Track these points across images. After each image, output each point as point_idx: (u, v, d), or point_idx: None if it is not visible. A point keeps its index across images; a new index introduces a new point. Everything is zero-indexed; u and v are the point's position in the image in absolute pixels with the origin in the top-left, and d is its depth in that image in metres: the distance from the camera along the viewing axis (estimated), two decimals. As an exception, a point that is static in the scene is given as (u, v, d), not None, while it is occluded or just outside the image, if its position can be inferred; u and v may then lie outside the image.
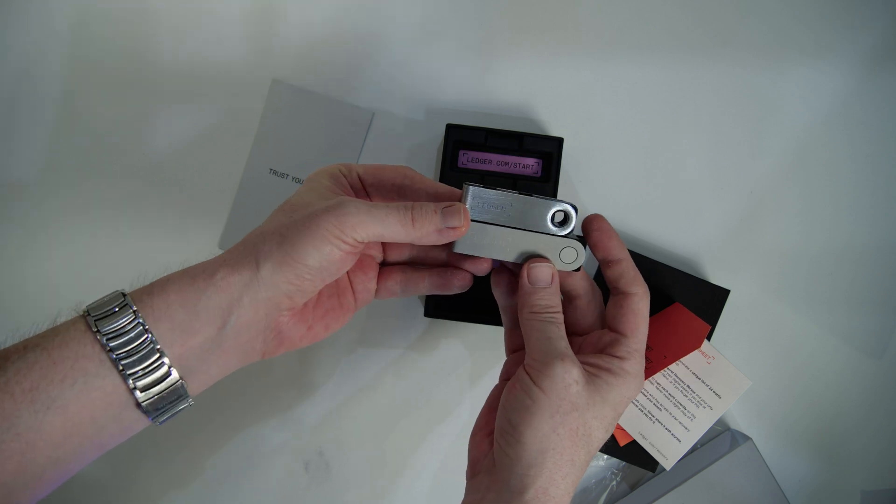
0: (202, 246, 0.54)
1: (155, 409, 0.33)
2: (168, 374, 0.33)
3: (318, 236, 0.34)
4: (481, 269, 0.42)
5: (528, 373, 0.36)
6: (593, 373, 0.37)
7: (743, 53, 0.55)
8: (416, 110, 0.55)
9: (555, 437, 0.34)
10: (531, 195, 0.39)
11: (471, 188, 0.38)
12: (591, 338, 0.40)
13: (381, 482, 0.56)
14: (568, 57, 0.55)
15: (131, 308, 0.32)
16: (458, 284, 0.42)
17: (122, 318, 0.32)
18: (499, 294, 0.42)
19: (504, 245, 0.39)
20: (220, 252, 0.54)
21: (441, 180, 0.52)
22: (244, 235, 0.37)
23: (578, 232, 0.40)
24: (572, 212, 0.39)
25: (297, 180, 0.54)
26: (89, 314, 0.32)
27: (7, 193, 0.54)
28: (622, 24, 0.55)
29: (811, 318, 0.55)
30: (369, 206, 0.35)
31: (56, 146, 0.54)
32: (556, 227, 0.39)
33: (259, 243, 0.35)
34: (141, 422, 0.34)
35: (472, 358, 0.55)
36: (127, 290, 0.34)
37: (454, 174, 0.52)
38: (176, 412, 0.35)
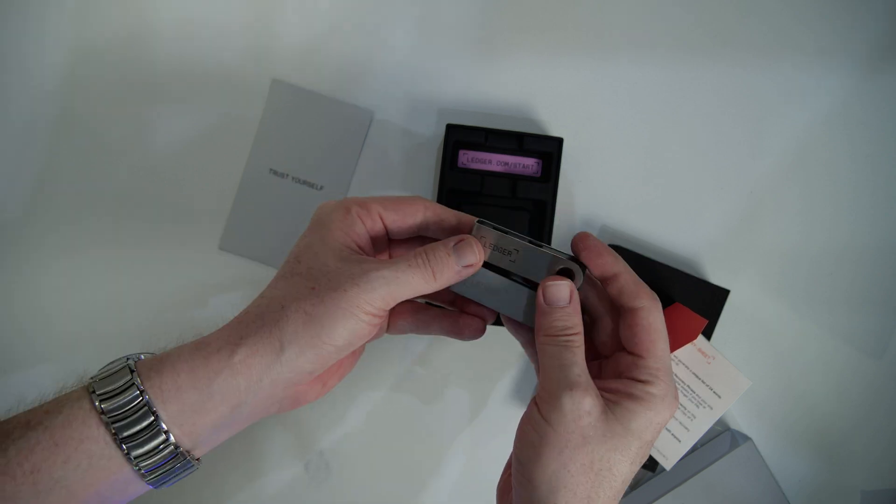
0: (202, 246, 0.54)
1: (161, 481, 0.33)
2: (175, 452, 0.32)
3: (348, 315, 0.33)
4: (489, 316, 0.40)
5: (537, 405, 0.34)
6: (613, 399, 0.34)
7: (743, 53, 0.55)
8: (416, 110, 0.55)
9: (565, 475, 0.32)
10: (540, 246, 0.37)
11: (480, 227, 0.37)
12: (613, 360, 0.37)
13: (381, 482, 0.56)
14: (568, 57, 0.55)
15: (138, 388, 0.31)
16: (468, 334, 0.40)
17: (128, 398, 0.31)
18: (512, 329, 0.41)
19: (499, 289, 0.38)
20: (219, 253, 0.54)
21: (441, 180, 0.52)
22: (260, 302, 0.35)
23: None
24: (579, 270, 0.37)
25: (298, 180, 0.54)
26: (94, 391, 0.31)
27: (6, 193, 0.54)
28: (622, 24, 0.55)
29: (811, 319, 0.55)
30: (394, 273, 0.34)
31: (56, 146, 0.54)
32: None
33: (282, 321, 0.33)
34: (145, 488, 0.33)
35: (474, 358, 0.55)
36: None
37: (454, 174, 0.52)
38: (183, 477, 0.34)
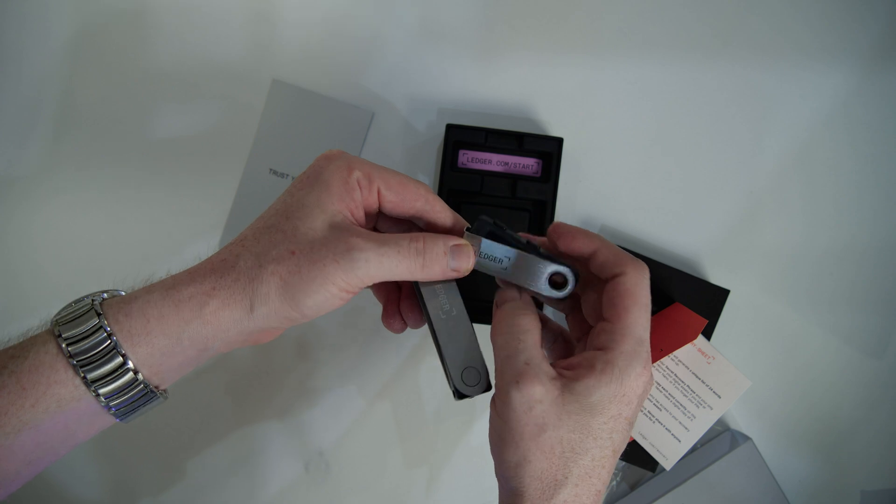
0: (202, 246, 0.54)
1: (128, 413, 0.33)
2: (144, 390, 0.32)
3: (322, 289, 0.32)
4: (413, 322, 0.40)
5: (492, 402, 0.34)
6: (572, 377, 0.33)
7: (744, 53, 0.55)
8: (415, 110, 0.55)
9: (526, 466, 0.32)
10: (535, 254, 0.37)
11: (471, 236, 0.36)
12: (594, 332, 0.36)
13: (381, 482, 0.56)
14: (568, 57, 0.55)
15: (106, 330, 0.31)
16: (387, 324, 0.40)
17: (96, 341, 0.31)
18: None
19: (452, 312, 0.37)
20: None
21: (441, 180, 0.52)
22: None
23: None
24: (571, 276, 0.36)
25: (297, 180, 0.54)
26: (61, 335, 0.31)
27: (5, 190, 0.54)
28: (622, 23, 0.55)
29: (811, 318, 0.55)
30: (378, 257, 0.33)
31: (55, 148, 0.54)
32: (553, 288, 0.37)
33: (256, 281, 0.32)
34: (113, 421, 0.33)
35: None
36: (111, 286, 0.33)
37: (454, 174, 0.52)
38: (149, 409, 0.34)
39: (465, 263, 0.36)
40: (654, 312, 0.53)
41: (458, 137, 0.52)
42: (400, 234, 0.35)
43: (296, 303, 0.32)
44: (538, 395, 0.32)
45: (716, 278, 0.54)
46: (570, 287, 0.37)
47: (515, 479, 0.32)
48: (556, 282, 0.37)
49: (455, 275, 0.36)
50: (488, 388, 0.37)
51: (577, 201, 0.55)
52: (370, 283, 0.34)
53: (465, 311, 0.37)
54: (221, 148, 0.54)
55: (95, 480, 0.55)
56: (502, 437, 0.33)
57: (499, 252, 0.37)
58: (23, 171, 0.54)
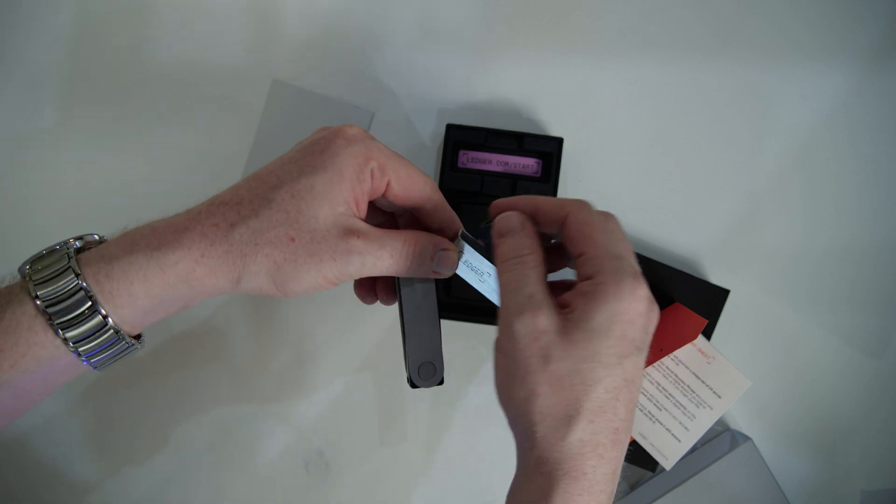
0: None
1: (105, 363, 0.33)
2: (124, 345, 0.32)
3: (312, 280, 0.33)
4: (384, 300, 0.40)
5: (497, 340, 0.33)
6: (569, 309, 0.32)
7: (744, 52, 0.55)
8: (415, 110, 0.55)
9: (536, 401, 0.31)
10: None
11: (463, 242, 0.37)
12: (577, 278, 0.35)
13: (381, 482, 0.56)
14: (568, 56, 0.55)
15: (87, 293, 0.30)
16: (362, 300, 0.41)
17: (75, 301, 0.30)
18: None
19: (423, 305, 0.38)
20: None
21: (441, 180, 0.52)
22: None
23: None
24: None
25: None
26: (38, 296, 0.30)
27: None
28: (622, 23, 0.55)
29: (811, 318, 0.55)
30: (374, 260, 0.34)
31: (55, 148, 0.54)
32: None
33: (248, 259, 0.32)
34: (89, 369, 0.33)
35: (473, 358, 0.55)
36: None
37: (454, 174, 0.52)
38: (125, 357, 0.34)
39: (447, 270, 0.36)
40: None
41: (458, 137, 0.52)
42: (393, 232, 0.35)
43: (283, 286, 0.33)
44: (542, 324, 0.31)
45: (716, 278, 0.54)
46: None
47: (525, 417, 0.31)
48: None
49: (436, 276, 0.37)
50: (440, 383, 0.38)
51: (577, 201, 0.55)
52: (358, 277, 0.35)
53: (436, 309, 0.38)
54: (221, 148, 0.54)
55: (94, 478, 0.55)
56: (510, 374, 0.32)
57: (481, 265, 0.37)
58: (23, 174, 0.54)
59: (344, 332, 0.55)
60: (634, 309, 0.31)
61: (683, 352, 0.52)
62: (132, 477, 0.55)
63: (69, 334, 0.30)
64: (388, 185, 0.35)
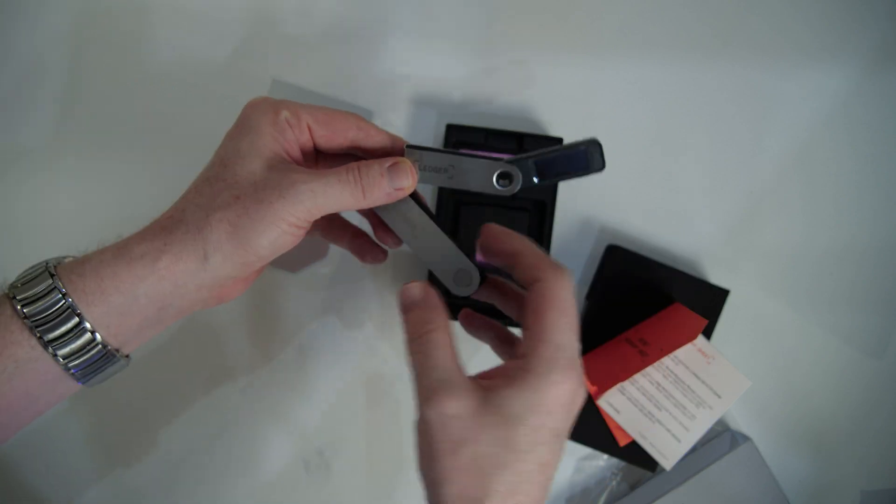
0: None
1: (90, 375, 0.33)
2: (103, 351, 0.33)
3: (272, 227, 0.33)
4: (392, 243, 0.40)
5: (415, 420, 0.33)
6: (489, 387, 0.32)
7: (744, 52, 0.55)
8: (415, 110, 0.55)
9: (446, 485, 0.30)
10: (473, 155, 0.37)
11: (412, 150, 0.37)
12: (517, 344, 0.35)
13: (382, 482, 0.56)
14: (568, 56, 0.55)
15: (60, 290, 0.31)
16: (369, 258, 0.41)
17: (50, 301, 0.31)
18: (475, 334, 0.42)
19: (417, 225, 0.38)
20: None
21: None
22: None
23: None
24: (518, 173, 0.37)
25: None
26: (15, 297, 0.31)
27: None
28: (622, 23, 0.55)
29: (811, 318, 0.55)
30: (323, 186, 0.33)
31: (55, 148, 0.54)
32: (501, 186, 0.37)
33: (205, 230, 0.33)
34: (77, 386, 0.34)
35: (473, 358, 0.55)
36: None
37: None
38: (112, 374, 0.34)
39: (405, 181, 0.36)
40: (653, 312, 0.53)
41: (458, 137, 0.52)
42: (336, 167, 0.35)
43: (248, 244, 0.33)
44: (452, 410, 0.31)
45: (716, 278, 0.54)
46: (517, 184, 0.37)
47: (437, 499, 0.31)
48: (503, 182, 0.37)
49: (401, 194, 0.36)
50: (483, 279, 0.38)
51: (577, 201, 0.55)
52: (318, 216, 0.34)
53: (431, 223, 0.38)
54: (221, 148, 0.54)
55: (93, 478, 0.55)
56: (423, 454, 0.32)
57: (442, 161, 0.37)
58: (23, 174, 0.54)
59: (344, 331, 0.55)
60: (555, 401, 0.31)
61: (683, 352, 0.52)
62: (132, 477, 0.55)
63: (46, 336, 0.31)
64: (311, 130, 0.36)
